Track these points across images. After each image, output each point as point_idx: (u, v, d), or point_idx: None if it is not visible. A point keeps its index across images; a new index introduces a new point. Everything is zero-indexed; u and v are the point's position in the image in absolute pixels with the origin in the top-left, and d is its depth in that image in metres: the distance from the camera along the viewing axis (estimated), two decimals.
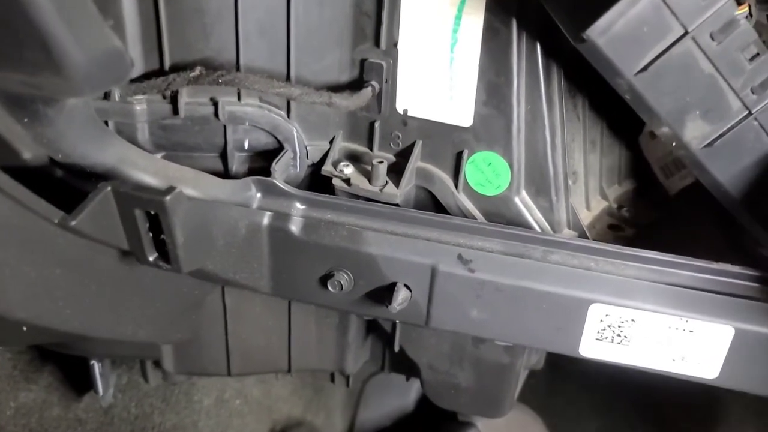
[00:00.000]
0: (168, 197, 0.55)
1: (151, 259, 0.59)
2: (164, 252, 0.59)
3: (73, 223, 0.52)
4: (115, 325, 0.64)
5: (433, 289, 0.71)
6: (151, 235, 0.59)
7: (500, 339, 0.76)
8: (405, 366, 0.99)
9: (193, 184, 0.64)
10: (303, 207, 0.73)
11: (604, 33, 0.54)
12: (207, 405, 1.19)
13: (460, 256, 0.70)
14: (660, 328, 0.69)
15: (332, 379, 1.05)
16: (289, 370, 0.97)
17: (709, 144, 0.61)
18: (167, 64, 0.71)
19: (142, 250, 0.59)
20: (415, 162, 0.76)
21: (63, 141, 0.54)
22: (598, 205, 0.83)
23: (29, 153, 0.40)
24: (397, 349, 0.92)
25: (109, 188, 0.54)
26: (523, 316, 0.70)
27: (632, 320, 0.69)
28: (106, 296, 0.61)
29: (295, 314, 0.92)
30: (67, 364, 1.15)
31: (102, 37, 0.44)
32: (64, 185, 0.60)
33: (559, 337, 0.71)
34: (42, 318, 0.54)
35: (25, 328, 0.55)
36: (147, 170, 0.62)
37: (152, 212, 0.56)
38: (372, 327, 0.98)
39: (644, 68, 0.56)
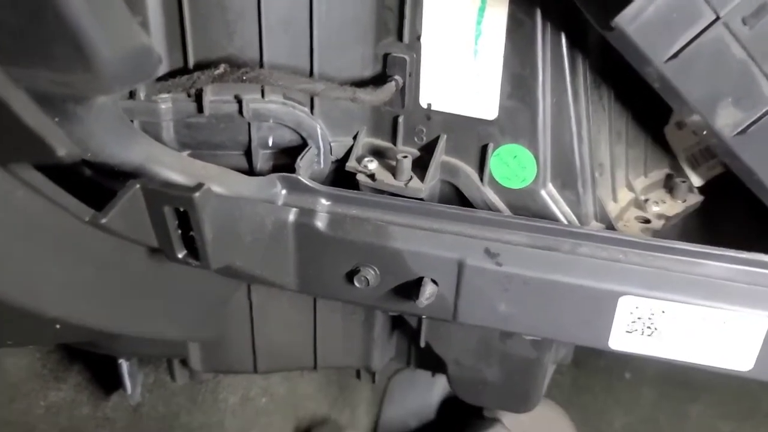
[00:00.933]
0: (197, 194, 0.55)
1: (180, 256, 0.60)
2: (193, 249, 0.60)
3: (104, 220, 0.52)
4: (144, 323, 0.64)
5: (461, 283, 0.71)
6: (179, 232, 0.59)
7: (528, 333, 0.75)
8: (431, 362, 0.98)
9: (220, 181, 0.64)
10: (328, 203, 0.73)
11: (634, 20, 0.53)
12: (233, 403, 1.19)
13: (487, 250, 0.69)
14: (691, 320, 0.68)
15: (358, 376, 1.05)
16: (315, 367, 0.97)
17: (742, 131, 0.60)
18: (191, 63, 0.72)
19: (171, 247, 0.59)
20: (439, 156, 0.76)
21: (92, 139, 0.55)
22: (625, 197, 0.82)
23: (64, 150, 0.41)
24: (423, 345, 0.91)
25: (138, 186, 0.55)
26: (551, 310, 0.70)
27: (662, 312, 0.68)
28: (136, 294, 0.61)
29: (321, 311, 0.92)
30: (95, 364, 1.16)
31: (131, 34, 0.45)
32: (92, 184, 0.61)
33: (588, 331, 0.70)
34: (74, 316, 0.54)
35: (57, 326, 0.55)
36: (174, 168, 0.62)
37: (181, 209, 0.57)
38: (397, 323, 0.97)
39: (674, 55, 0.55)
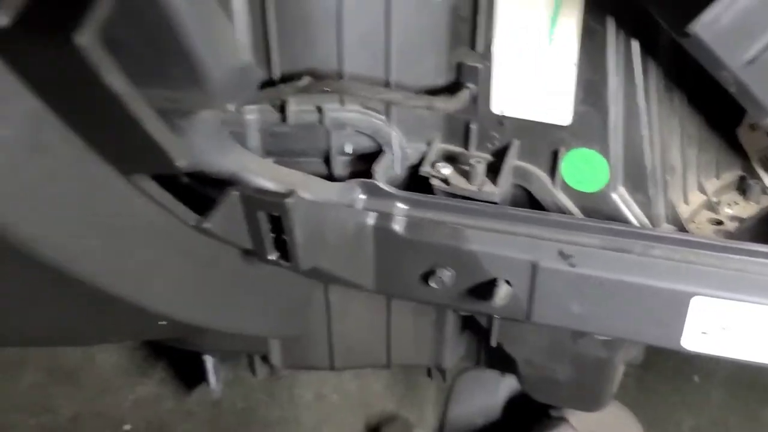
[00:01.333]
0: (289, 200, 0.59)
1: (272, 257, 0.64)
2: (284, 251, 0.64)
3: (207, 225, 0.56)
4: (238, 320, 0.69)
5: (534, 284, 0.73)
6: (272, 235, 0.63)
7: (601, 333, 0.77)
8: (501, 361, 1.00)
9: (305, 187, 0.68)
10: (405, 207, 0.76)
11: (710, 26, 0.54)
12: (307, 400, 1.24)
13: (561, 252, 0.72)
14: (765, 321, 0.68)
15: (429, 374, 1.08)
16: (388, 365, 1.00)
17: None
18: (276, 75, 0.76)
19: (263, 249, 0.63)
20: (512, 161, 0.78)
21: (193, 150, 0.59)
22: (697, 200, 0.83)
23: (184, 161, 0.45)
24: (494, 344, 0.94)
25: (236, 192, 0.59)
26: (624, 311, 0.71)
27: (736, 313, 0.69)
28: (231, 293, 0.66)
29: (394, 310, 0.96)
30: (178, 360, 1.22)
31: (236, 53, 0.49)
32: (187, 190, 0.66)
33: (661, 331, 0.71)
34: (178, 312, 0.59)
35: (161, 323, 0.60)
36: (264, 175, 0.66)
37: (274, 214, 0.61)
38: (468, 323, 1.00)
39: (752, 60, 0.56)
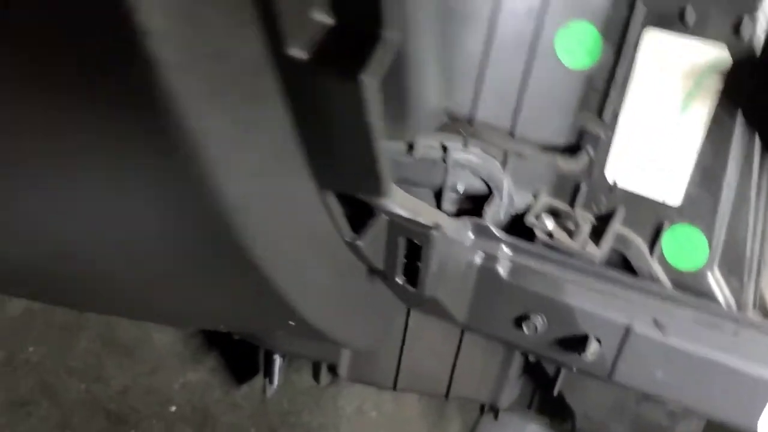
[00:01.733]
0: (434, 232, 0.64)
1: (399, 281, 0.68)
2: (412, 276, 0.68)
3: (359, 243, 0.61)
4: (343, 330, 0.73)
5: (624, 346, 0.77)
6: (405, 261, 0.68)
7: (678, 403, 0.81)
8: (554, 409, 1.04)
9: (437, 221, 0.73)
10: (511, 252, 0.80)
11: None
12: (348, 412, 1.28)
13: (655, 320, 0.76)
14: None
15: (481, 411, 1.12)
16: (447, 396, 1.04)
17: None
18: None
19: (394, 271, 0.68)
20: (615, 227, 0.83)
21: None
22: None
23: (388, 190, 0.49)
24: (556, 393, 0.98)
25: (386, 218, 0.64)
26: (706, 385, 0.75)
27: None
28: (351, 304, 0.70)
29: (465, 344, 1.00)
30: (230, 352, 1.26)
31: (442, 97, 0.53)
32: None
33: (739, 411, 0.75)
34: (312, 315, 0.63)
35: (291, 323, 0.65)
36: (398, 202, 0.71)
37: (416, 242, 0.65)
38: (533, 367, 1.04)
39: None
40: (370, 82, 0.38)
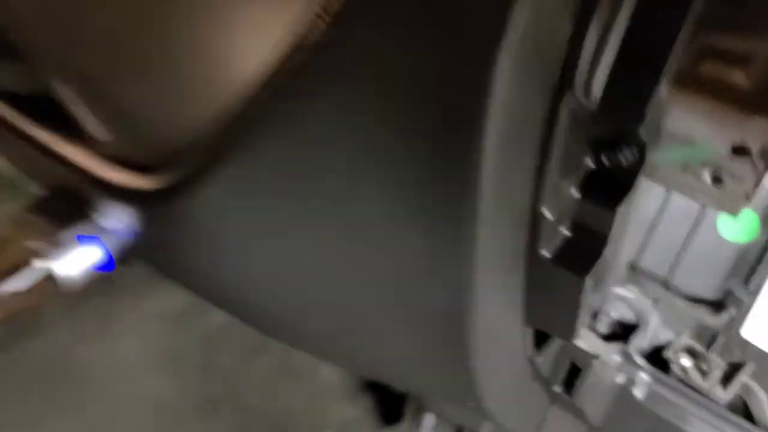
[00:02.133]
0: (596, 361, 0.82)
1: (557, 390, 0.88)
2: (568, 386, 0.87)
3: (538, 358, 0.81)
4: (508, 416, 0.93)
5: None
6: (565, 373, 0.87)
7: None
8: None
9: (594, 348, 0.91)
10: (649, 379, 0.97)
11: None
12: None
13: None
14: None
15: None
16: None
17: None
18: None
19: (555, 380, 0.87)
20: (743, 378, 0.97)
21: None
22: None
23: (580, 335, 0.70)
24: None
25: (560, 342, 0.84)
26: None
27: None
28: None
29: None
30: (381, 394, 1.48)
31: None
32: None
33: None
34: (492, 404, 0.83)
35: (471, 404, 0.85)
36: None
37: (578, 365, 0.84)
38: None
39: None
40: (589, 281, 0.58)
